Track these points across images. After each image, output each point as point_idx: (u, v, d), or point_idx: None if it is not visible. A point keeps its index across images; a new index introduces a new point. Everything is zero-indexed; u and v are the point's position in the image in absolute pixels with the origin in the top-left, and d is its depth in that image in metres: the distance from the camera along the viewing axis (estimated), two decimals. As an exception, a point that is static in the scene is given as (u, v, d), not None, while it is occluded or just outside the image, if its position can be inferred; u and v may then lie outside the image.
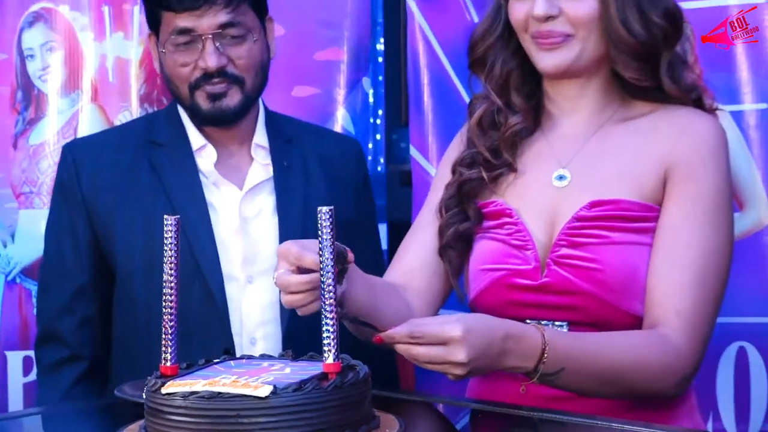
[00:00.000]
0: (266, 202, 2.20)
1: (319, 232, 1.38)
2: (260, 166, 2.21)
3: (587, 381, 1.61)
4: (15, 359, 2.82)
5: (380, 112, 3.09)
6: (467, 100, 2.81)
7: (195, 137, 2.19)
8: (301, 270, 1.53)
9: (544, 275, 1.74)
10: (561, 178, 1.80)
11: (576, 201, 1.75)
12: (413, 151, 2.90)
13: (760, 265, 2.59)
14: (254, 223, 2.19)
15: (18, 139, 2.85)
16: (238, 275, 2.15)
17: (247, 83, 2.14)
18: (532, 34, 1.76)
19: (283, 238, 2.12)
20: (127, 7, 2.88)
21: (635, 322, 1.70)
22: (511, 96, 1.85)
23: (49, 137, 2.85)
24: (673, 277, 1.67)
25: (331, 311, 1.37)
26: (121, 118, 2.86)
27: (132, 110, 2.89)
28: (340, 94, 2.97)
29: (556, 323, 1.72)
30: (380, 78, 3.07)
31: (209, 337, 2.08)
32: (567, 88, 1.83)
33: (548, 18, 1.73)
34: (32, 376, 2.77)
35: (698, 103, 1.80)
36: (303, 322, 2.07)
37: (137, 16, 2.85)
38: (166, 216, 1.44)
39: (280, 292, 1.57)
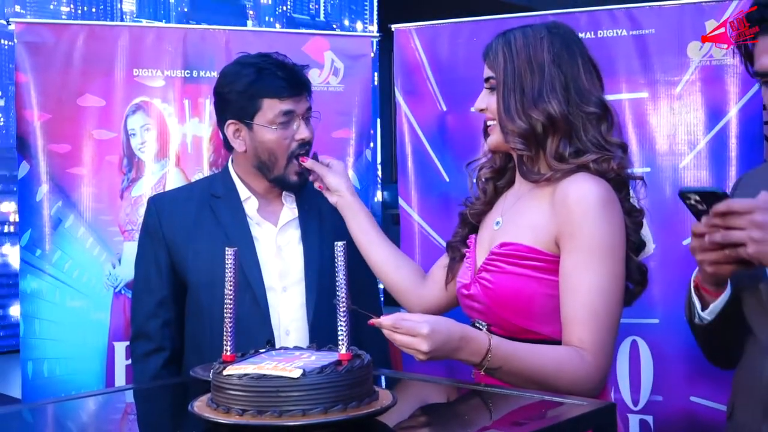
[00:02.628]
0: (294, 235, 2.17)
1: (335, 260, 1.38)
2: (289, 210, 2.18)
3: (519, 379, 1.57)
4: (120, 347, 2.80)
5: (378, 173, 3.09)
6: (439, 165, 2.84)
7: (243, 191, 2.16)
8: None
9: (471, 289, 1.74)
10: (497, 224, 1.77)
11: (498, 241, 1.72)
12: (401, 201, 2.90)
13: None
14: (286, 249, 2.15)
15: (123, 192, 2.85)
16: (276, 286, 2.12)
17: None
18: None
19: (306, 259, 2.13)
20: (201, 100, 2.88)
21: (532, 336, 1.65)
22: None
23: (145, 191, 2.84)
24: (573, 313, 1.59)
25: (345, 316, 1.36)
26: (196, 177, 2.84)
27: (203, 171, 2.89)
28: (350, 161, 2.97)
29: (483, 324, 1.71)
30: (378, 150, 3.08)
31: (255, 330, 2.04)
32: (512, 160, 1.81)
33: (481, 110, 1.75)
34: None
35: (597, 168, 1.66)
36: (321, 318, 2.09)
37: (208, 107, 2.86)
38: (227, 248, 1.43)
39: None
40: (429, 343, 1.46)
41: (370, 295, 2.31)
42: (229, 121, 2.12)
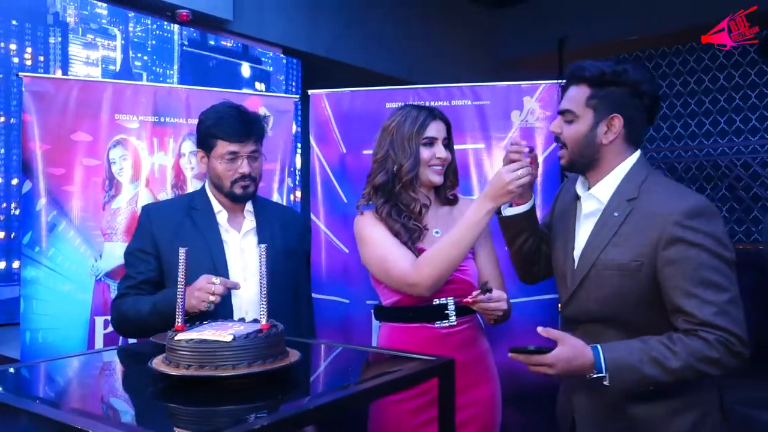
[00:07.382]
0: (252, 240, 2.13)
1: (259, 259, 1.40)
2: (249, 221, 2.16)
3: None
4: (99, 321, 2.69)
5: (297, 197, 3.08)
6: (339, 191, 2.86)
7: (216, 205, 2.14)
8: None
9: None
10: (437, 232, 1.94)
11: None
12: (312, 216, 2.89)
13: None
14: (247, 251, 2.12)
15: (105, 205, 2.75)
16: (239, 278, 2.06)
17: (257, 182, 2.13)
18: (432, 164, 1.93)
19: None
20: (166, 139, 2.82)
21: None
22: (420, 196, 1.98)
23: (122, 205, 2.76)
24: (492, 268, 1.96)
25: (265, 297, 1.39)
26: (161, 196, 2.79)
27: (167, 192, 2.82)
28: (275, 186, 2.96)
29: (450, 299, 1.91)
30: (297, 181, 3.08)
31: (221, 311, 1.94)
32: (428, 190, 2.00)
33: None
34: (109, 329, 2.66)
35: None
36: (271, 303, 1.85)
37: (171, 144, 2.82)
38: (180, 249, 1.43)
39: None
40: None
41: (305, 297, 2.33)
42: (198, 149, 2.14)
